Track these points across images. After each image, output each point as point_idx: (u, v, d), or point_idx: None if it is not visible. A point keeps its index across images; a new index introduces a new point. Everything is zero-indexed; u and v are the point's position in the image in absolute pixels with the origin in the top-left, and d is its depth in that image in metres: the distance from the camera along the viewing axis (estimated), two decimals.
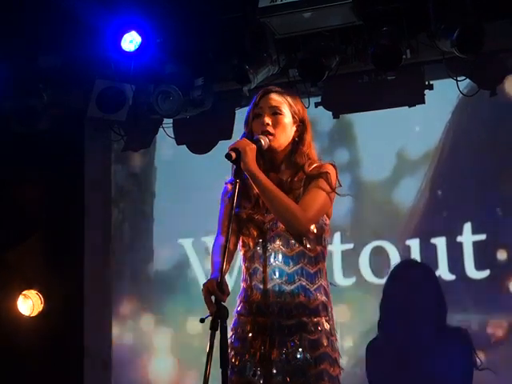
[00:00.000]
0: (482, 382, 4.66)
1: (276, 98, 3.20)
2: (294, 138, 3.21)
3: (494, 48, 4.66)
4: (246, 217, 3.15)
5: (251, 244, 3.15)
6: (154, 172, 5.84)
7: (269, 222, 3.13)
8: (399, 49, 4.61)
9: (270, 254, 3.11)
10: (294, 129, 3.21)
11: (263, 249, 3.12)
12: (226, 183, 3.25)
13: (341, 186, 3.20)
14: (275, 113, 3.18)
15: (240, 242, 3.20)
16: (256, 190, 3.10)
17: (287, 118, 3.19)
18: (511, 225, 4.92)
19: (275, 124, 3.16)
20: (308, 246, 3.12)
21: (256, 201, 3.16)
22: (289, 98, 3.23)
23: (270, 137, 3.14)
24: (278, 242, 3.12)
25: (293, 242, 3.12)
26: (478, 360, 4.67)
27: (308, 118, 3.28)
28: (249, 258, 3.16)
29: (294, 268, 3.10)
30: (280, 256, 3.11)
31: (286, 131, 3.18)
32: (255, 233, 3.14)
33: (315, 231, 3.14)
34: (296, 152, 3.20)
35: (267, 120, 3.16)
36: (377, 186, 5.27)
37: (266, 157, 3.18)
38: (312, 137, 3.28)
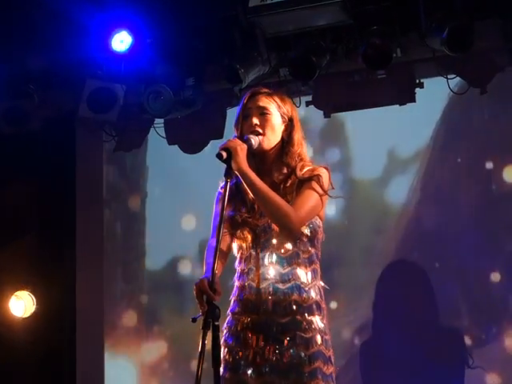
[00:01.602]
0: (473, 381, 4.70)
1: (264, 99, 3.21)
2: (282, 138, 3.21)
3: (484, 46, 4.67)
4: (240, 221, 3.15)
5: (246, 247, 3.16)
6: (146, 172, 5.84)
7: (263, 225, 3.13)
8: (390, 47, 4.61)
9: (264, 256, 3.12)
10: (283, 128, 3.22)
11: (257, 251, 3.13)
12: (220, 188, 3.22)
13: (333, 188, 3.19)
14: (263, 113, 3.18)
15: (235, 246, 3.20)
16: (250, 195, 3.10)
17: (276, 117, 3.20)
18: None
19: (263, 124, 3.17)
20: (302, 247, 3.13)
21: (251, 205, 3.17)
22: (277, 99, 3.23)
23: (260, 136, 3.15)
24: (271, 244, 3.12)
25: (286, 243, 3.12)
26: (469, 358, 4.69)
27: (298, 117, 3.28)
28: (243, 260, 3.17)
29: (288, 269, 3.11)
30: (274, 257, 3.11)
31: (275, 130, 3.19)
32: (249, 236, 3.14)
33: (308, 234, 3.14)
34: (287, 153, 3.20)
35: (255, 120, 3.16)
36: (368, 184, 5.28)
37: (257, 158, 3.18)
38: (303, 136, 3.27)
